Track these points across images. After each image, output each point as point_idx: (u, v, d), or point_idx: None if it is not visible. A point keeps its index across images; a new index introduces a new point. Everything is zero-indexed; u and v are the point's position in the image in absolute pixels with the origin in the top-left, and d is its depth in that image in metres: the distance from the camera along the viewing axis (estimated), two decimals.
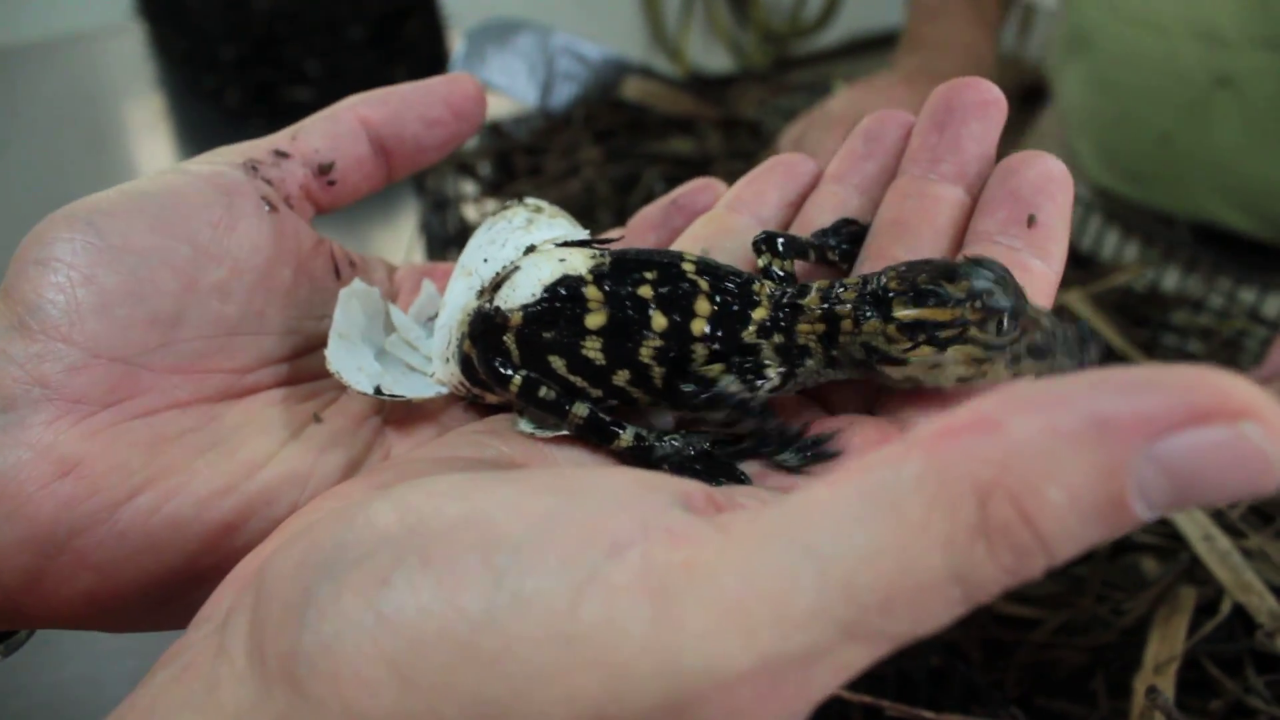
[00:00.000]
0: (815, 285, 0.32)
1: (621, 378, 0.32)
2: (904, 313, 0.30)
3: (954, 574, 0.20)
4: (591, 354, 0.32)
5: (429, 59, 1.18)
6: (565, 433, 0.33)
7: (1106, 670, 0.48)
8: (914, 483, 0.20)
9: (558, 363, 0.32)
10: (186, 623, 0.30)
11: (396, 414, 0.37)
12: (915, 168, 0.36)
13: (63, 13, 1.56)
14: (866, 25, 2.58)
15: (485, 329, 0.33)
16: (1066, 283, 0.75)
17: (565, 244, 0.34)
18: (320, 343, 0.36)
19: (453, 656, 0.20)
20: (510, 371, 0.33)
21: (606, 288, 0.32)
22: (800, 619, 0.20)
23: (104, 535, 0.29)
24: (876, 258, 0.35)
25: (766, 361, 0.32)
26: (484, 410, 0.37)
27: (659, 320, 0.31)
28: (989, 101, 0.35)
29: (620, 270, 0.32)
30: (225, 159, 0.36)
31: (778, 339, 0.32)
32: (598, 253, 0.33)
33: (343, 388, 0.36)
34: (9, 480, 0.29)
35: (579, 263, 0.32)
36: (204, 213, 0.33)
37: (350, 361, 0.36)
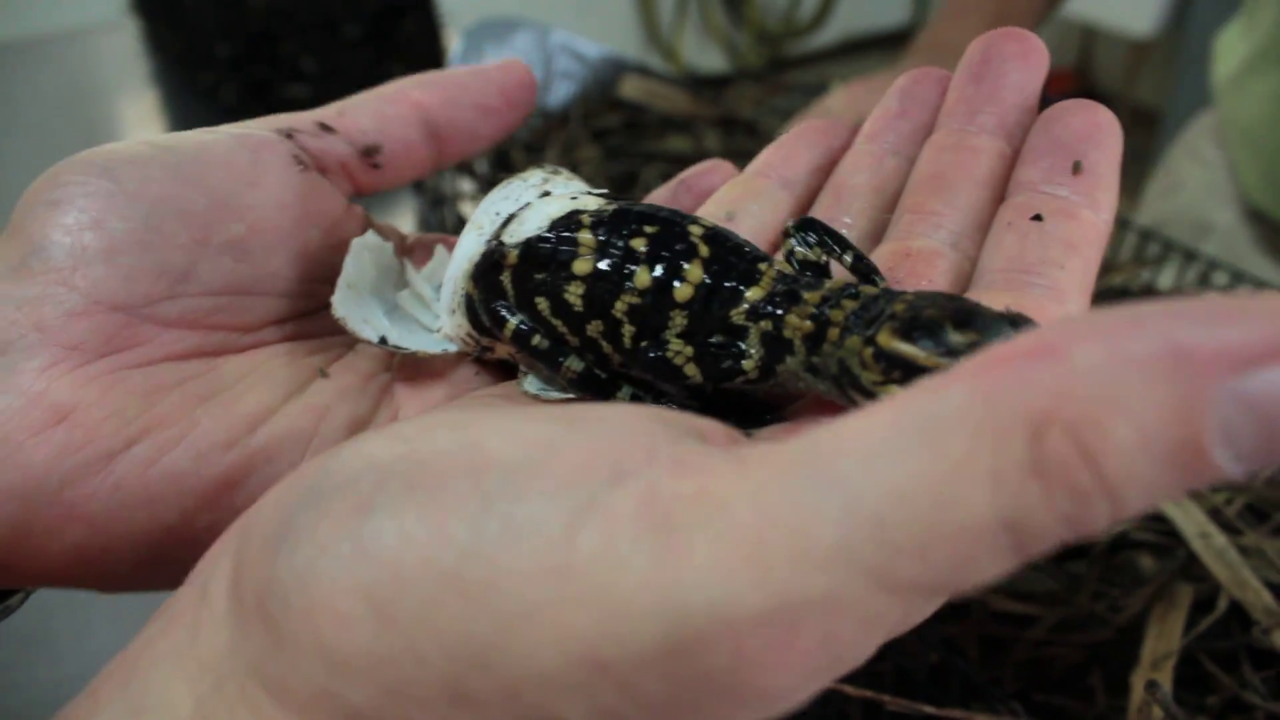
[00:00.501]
0: (828, 284, 0.29)
1: (595, 328, 0.30)
2: (885, 340, 0.25)
3: (1002, 517, 0.17)
4: (572, 299, 0.30)
5: (425, 57, 1.18)
6: (573, 395, 0.31)
7: (1104, 667, 0.49)
8: (958, 411, 0.17)
9: (543, 304, 0.31)
10: (176, 585, 0.29)
11: (405, 372, 0.36)
12: (953, 121, 0.34)
13: (57, 9, 1.55)
14: (861, 26, 2.59)
15: (486, 267, 0.32)
16: None
17: (588, 194, 0.33)
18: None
19: (435, 589, 0.19)
20: (507, 315, 0.32)
21: (601, 234, 0.30)
22: (822, 557, 0.18)
23: (97, 486, 0.28)
24: (913, 213, 0.33)
25: (749, 348, 0.29)
26: (496, 371, 0.36)
27: (643, 276, 0.29)
28: (1029, 50, 0.33)
29: (620, 219, 0.31)
30: (261, 124, 0.35)
31: (765, 325, 0.29)
32: (611, 202, 0.32)
33: (350, 344, 0.35)
34: (0, 426, 0.27)
35: (591, 205, 0.32)
36: (226, 167, 0.32)
37: (357, 312, 0.34)
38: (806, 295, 0.29)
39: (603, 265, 0.30)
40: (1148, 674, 0.45)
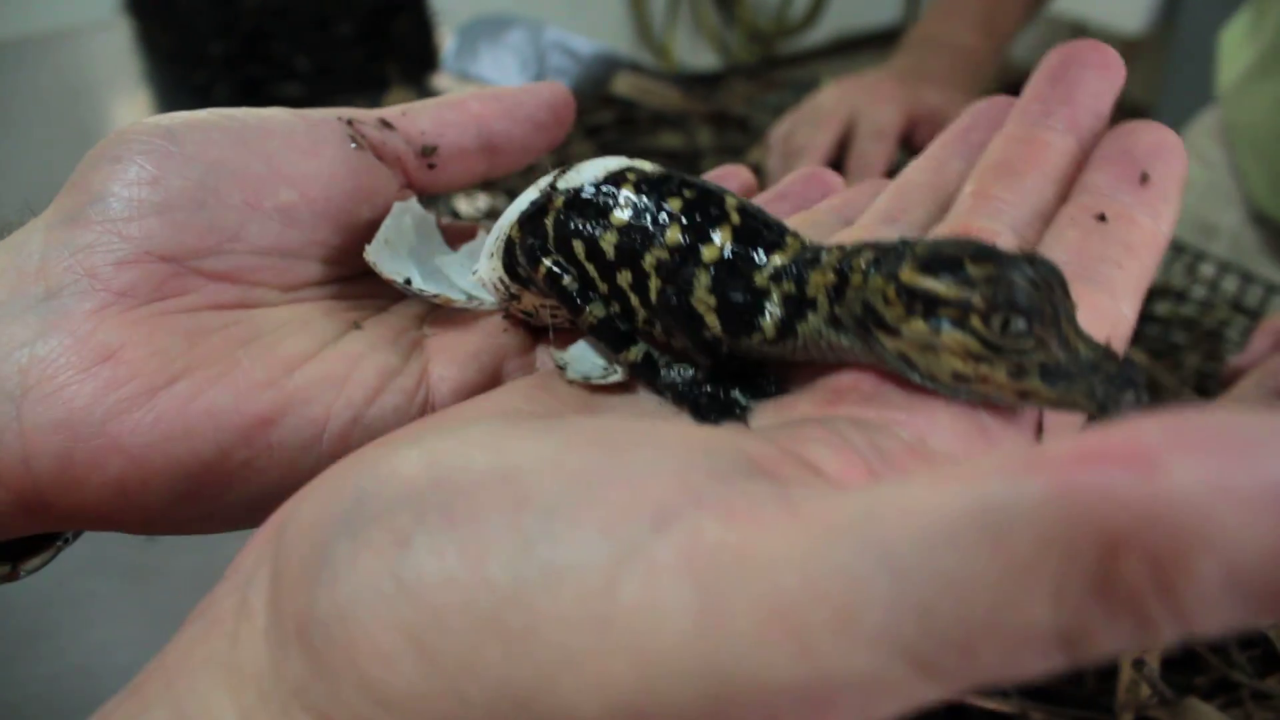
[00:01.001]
0: (849, 245, 0.30)
1: (624, 279, 0.32)
2: (907, 275, 0.26)
3: (1058, 631, 0.16)
4: (606, 246, 0.32)
5: (418, 55, 1.19)
6: (617, 379, 0.32)
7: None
8: (1031, 511, 0.16)
9: (579, 247, 0.32)
10: (206, 529, 0.31)
11: (436, 327, 0.37)
12: (1026, 116, 0.35)
13: (50, 9, 1.55)
14: (852, 25, 2.60)
15: (533, 212, 0.34)
16: None
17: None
18: (371, 271, 0.36)
19: (477, 632, 0.19)
20: (542, 255, 0.33)
21: (641, 192, 0.32)
22: (865, 638, 0.17)
23: (139, 419, 0.29)
24: (978, 197, 0.33)
25: (769, 308, 0.30)
26: (523, 330, 0.37)
27: (673, 234, 0.31)
28: (1109, 61, 0.34)
29: (663, 181, 0.32)
30: (324, 111, 0.36)
31: (788, 287, 0.30)
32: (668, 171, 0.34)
33: (384, 305, 0.37)
34: (47, 364, 0.29)
35: (646, 168, 0.33)
36: (285, 138, 0.34)
37: (391, 264, 0.36)
38: (827, 257, 0.30)
39: (638, 219, 0.31)
40: (1136, 654, 0.46)
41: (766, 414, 0.30)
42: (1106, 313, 0.29)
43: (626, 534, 0.19)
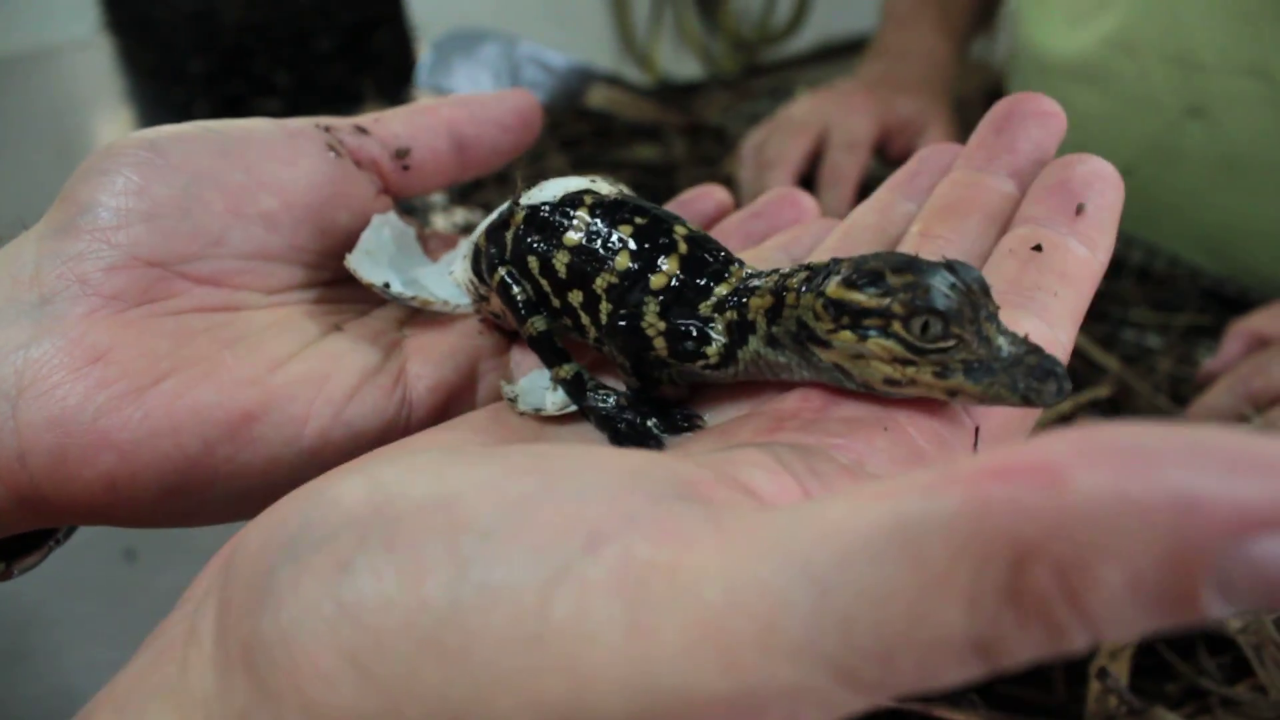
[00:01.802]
0: (784, 269, 0.32)
1: (575, 298, 0.33)
2: (833, 290, 0.28)
3: (973, 638, 0.17)
4: (559, 265, 0.33)
5: (397, 70, 1.19)
6: (569, 410, 0.33)
7: (1065, 657, 0.49)
8: (944, 523, 0.17)
9: (533, 263, 0.34)
10: (194, 522, 0.32)
11: (414, 330, 0.39)
12: (970, 163, 0.36)
13: (30, 28, 1.55)
14: (836, 31, 2.60)
15: (497, 223, 0.36)
16: None
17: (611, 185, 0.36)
18: (354, 280, 0.38)
19: (415, 651, 0.19)
20: (499, 264, 0.35)
21: (596, 215, 0.33)
22: (788, 651, 0.18)
23: (129, 416, 0.31)
24: (923, 236, 0.35)
25: (714, 336, 0.31)
26: (503, 335, 0.38)
27: (622, 260, 0.32)
28: (1049, 113, 0.36)
29: (616, 207, 0.34)
30: (301, 121, 0.38)
31: (730, 315, 0.31)
32: (627, 194, 0.35)
33: (365, 309, 0.38)
34: (41, 365, 0.30)
35: (604, 189, 0.34)
36: (265, 148, 0.36)
37: (372, 272, 0.37)
38: (765, 282, 0.31)
39: (590, 242, 0.33)
40: (1106, 663, 0.46)
41: (708, 440, 0.30)
42: (1043, 339, 0.29)
43: (559, 555, 0.19)
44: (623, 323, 0.32)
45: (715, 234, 0.43)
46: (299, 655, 0.20)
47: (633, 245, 0.32)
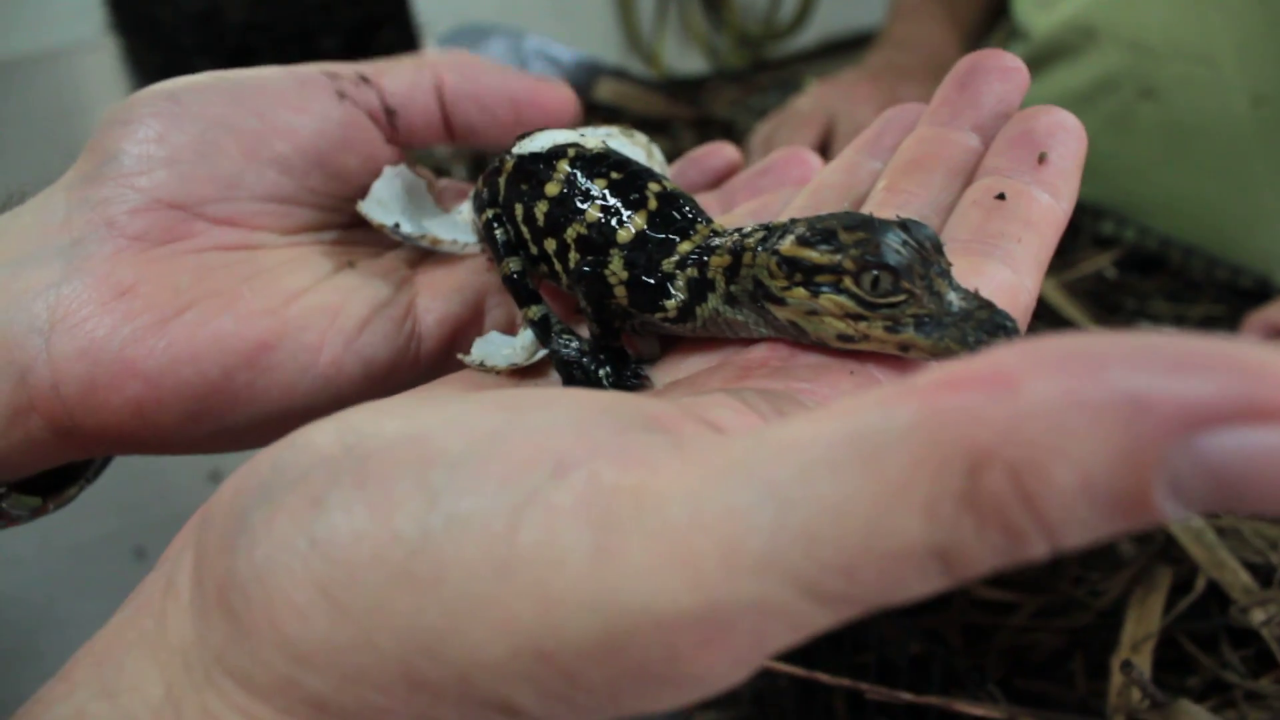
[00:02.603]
0: (745, 228, 0.32)
1: (550, 245, 0.35)
2: (787, 247, 0.28)
3: (933, 545, 0.17)
4: (539, 214, 0.35)
5: None
6: (517, 363, 0.34)
7: (1085, 651, 0.49)
8: (901, 435, 0.17)
9: (519, 210, 0.36)
10: (218, 447, 0.35)
11: (425, 268, 0.40)
12: (935, 119, 0.37)
13: (37, 31, 1.55)
14: (841, 27, 2.59)
15: (493, 169, 0.38)
16: None
17: (608, 137, 0.38)
18: (368, 224, 0.39)
19: (386, 582, 0.20)
20: (488, 206, 0.37)
21: (575, 167, 0.35)
22: (751, 566, 0.18)
23: (153, 344, 0.33)
24: (888, 191, 0.35)
25: (673, 291, 0.32)
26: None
27: (593, 212, 0.34)
28: (1011, 67, 0.36)
29: (596, 161, 0.35)
30: (309, 67, 0.39)
31: (691, 272, 0.32)
32: (610, 150, 0.36)
33: (378, 251, 0.40)
34: (72, 300, 0.33)
35: (591, 143, 0.36)
36: (277, 94, 0.37)
37: (385, 217, 0.39)
38: (724, 240, 0.32)
39: (566, 192, 0.35)
40: (1128, 657, 0.45)
41: (677, 390, 0.31)
42: (1008, 285, 0.30)
43: (527, 483, 0.20)
44: (586, 269, 0.33)
45: (723, 191, 0.44)
46: (273, 591, 0.20)
47: (605, 199, 0.34)
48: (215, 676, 0.21)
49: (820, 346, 0.30)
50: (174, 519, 0.35)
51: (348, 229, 0.40)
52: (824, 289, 0.28)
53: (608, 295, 0.33)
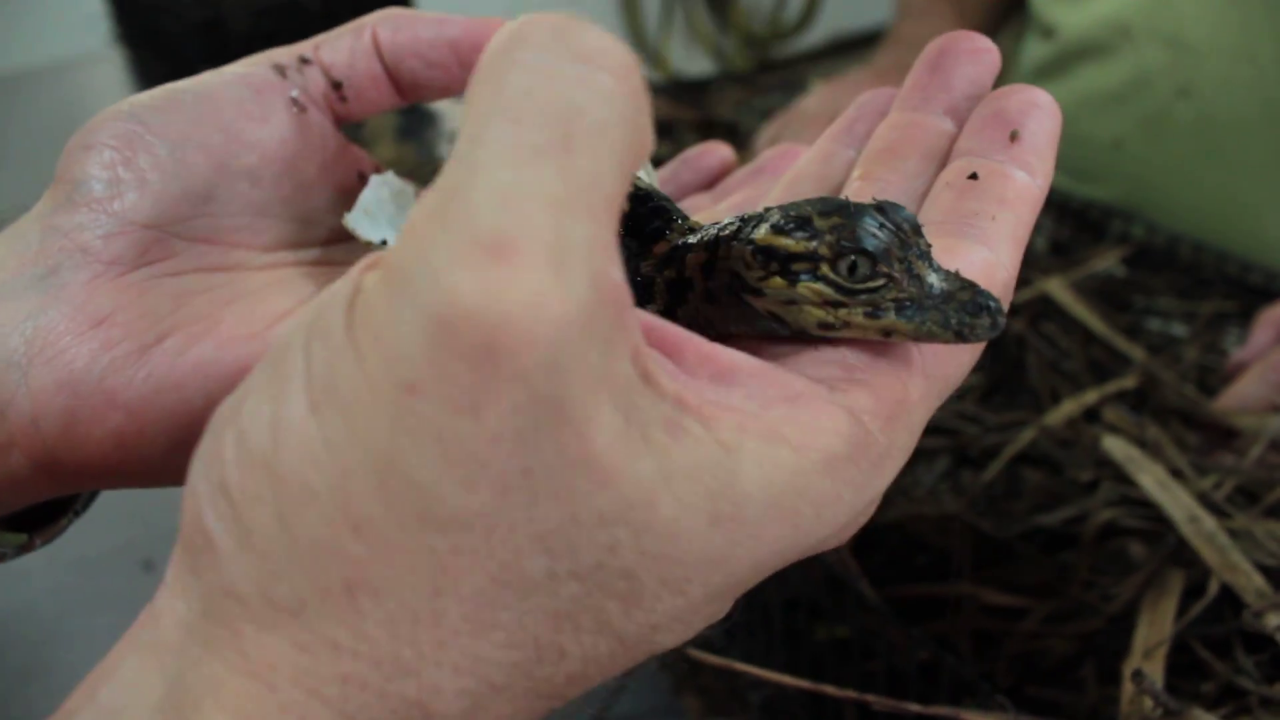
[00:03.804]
0: (719, 223, 0.31)
1: None
2: (762, 237, 0.28)
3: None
4: None
5: None
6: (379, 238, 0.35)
7: (1097, 657, 0.48)
8: None
9: None
10: None
11: None
12: (907, 105, 0.37)
13: (44, 43, 1.56)
14: (847, 26, 2.58)
15: None
16: (1045, 270, 0.75)
17: None
18: (347, 238, 0.39)
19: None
20: None
21: None
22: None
23: (133, 375, 0.32)
24: (864, 180, 0.35)
25: (654, 295, 0.32)
26: None
27: None
28: (981, 49, 0.36)
29: None
30: (255, 61, 0.38)
31: (669, 273, 0.31)
32: None
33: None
34: (49, 331, 0.32)
35: None
36: (236, 106, 0.37)
37: (372, 231, 0.38)
38: (699, 237, 0.31)
39: None
40: (1139, 663, 0.45)
41: None
42: (984, 263, 0.30)
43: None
44: None
45: (717, 191, 0.44)
46: (189, 504, 0.22)
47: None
48: (210, 634, 0.21)
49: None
50: None
51: (329, 246, 0.40)
52: (802, 277, 0.27)
53: None
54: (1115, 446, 0.54)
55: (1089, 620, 0.49)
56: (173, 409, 0.33)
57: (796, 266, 0.27)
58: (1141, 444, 0.55)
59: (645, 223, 0.32)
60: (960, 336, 0.27)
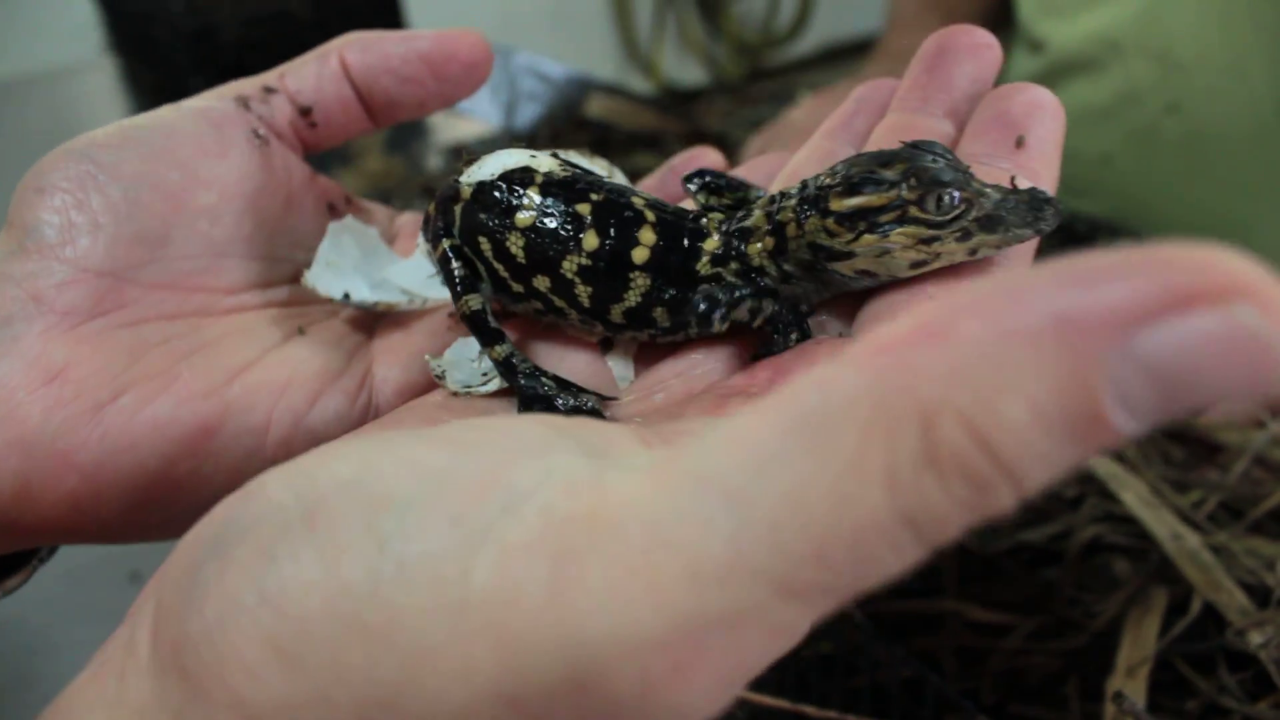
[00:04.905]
0: (757, 204, 0.32)
1: (542, 283, 0.33)
2: (839, 204, 0.29)
3: (900, 512, 0.17)
4: (514, 249, 0.32)
5: None
6: (495, 387, 0.33)
7: (1081, 674, 0.48)
8: (845, 407, 0.17)
9: (485, 245, 0.33)
10: (165, 535, 0.32)
11: (383, 329, 0.38)
12: (905, 105, 0.36)
13: (35, 51, 1.56)
14: (838, 34, 2.59)
15: (446, 195, 0.35)
16: None
17: (557, 155, 0.35)
18: None
19: (339, 634, 0.19)
20: (444, 236, 0.34)
21: (548, 195, 0.32)
22: (717, 574, 0.17)
23: (88, 435, 0.31)
24: None
25: (729, 291, 0.32)
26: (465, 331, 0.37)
27: (590, 240, 0.32)
28: (981, 44, 0.35)
29: (569, 185, 0.33)
30: (218, 95, 0.37)
31: (734, 266, 0.32)
32: (574, 169, 0.34)
33: (333, 311, 0.38)
34: (2, 388, 0.30)
35: (545, 165, 0.33)
36: (194, 142, 0.35)
37: (335, 283, 0.36)
38: (752, 223, 0.32)
39: (546, 223, 0.32)
40: (1123, 681, 0.45)
41: (653, 419, 0.30)
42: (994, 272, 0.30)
43: (478, 520, 0.19)
44: (702, 309, 0.32)
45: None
46: (224, 649, 0.20)
47: (596, 223, 0.32)
48: None
49: (798, 363, 0.30)
50: (169, 542, 0.34)
51: (297, 283, 0.38)
52: (890, 227, 0.29)
53: (650, 324, 0.32)
54: (1099, 463, 0.54)
55: (1073, 637, 0.49)
56: (129, 471, 0.31)
57: (884, 218, 0.29)
58: (1124, 460, 0.55)
59: (678, 229, 0.32)
60: (1039, 231, 0.29)
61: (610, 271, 0.32)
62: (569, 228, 0.32)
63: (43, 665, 0.74)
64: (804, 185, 0.31)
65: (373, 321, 0.38)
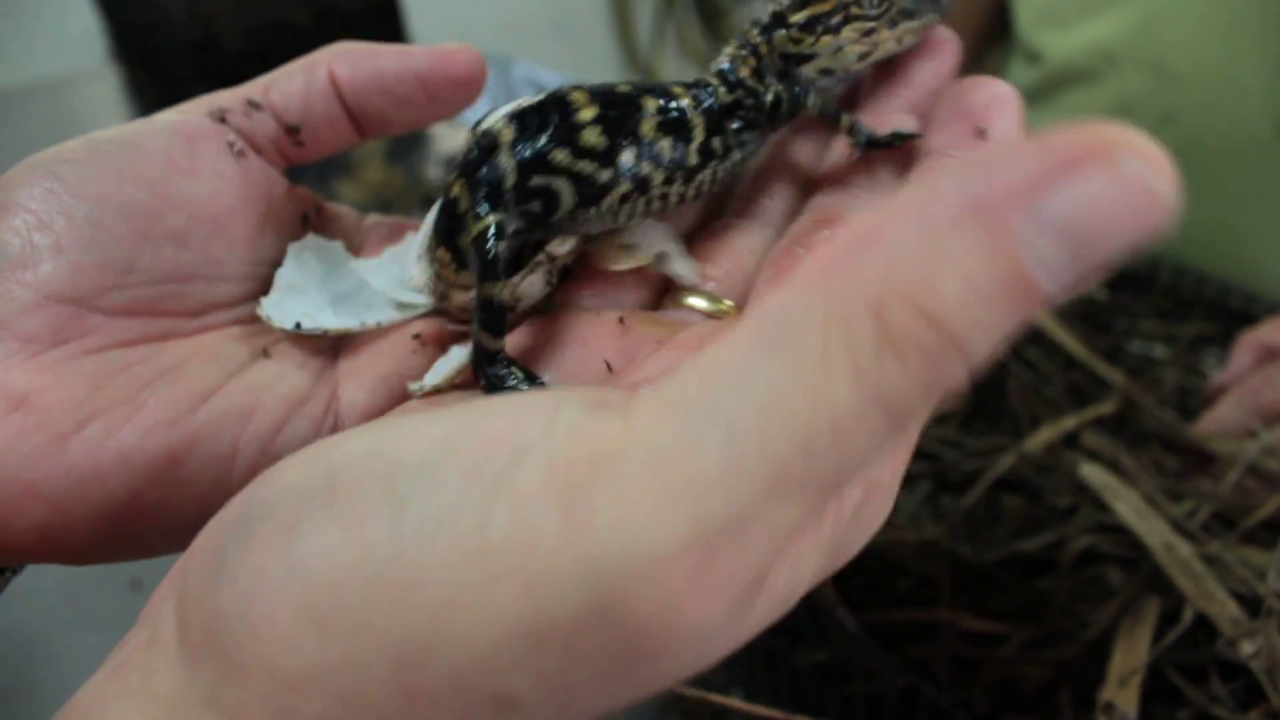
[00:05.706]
0: (725, 50, 0.39)
1: (628, 157, 0.33)
2: (794, 16, 0.38)
3: (870, 398, 0.19)
4: (593, 140, 0.33)
5: None
6: (457, 377, 0.33)
7: (1073, 684, 0.48)
8: (803, 314, 0.19)
9: (560, 155, 0.32)
10: (135, 557, 0.32)
11: (348, 349, 0.37)
12: (869, 102, 0.38)
13: (38, 60, 1.57)
14: None
15: (478, 158, 0.33)
16: None
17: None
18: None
19: (367, 594, 0.20)
20: (486, 212, 0.32)
21: (584, 88, 0.34)
22: (715, 486, 0.19)
23: (53, 466, 0.30)
24: (831, 184, 0.37)
25: (765, 90, 0.38)
26: (435, 345, 0.36)
27: (649, 102, 0.34)
28: (939, 41, 0.38)
29: (589, 89, 0.34)
30: (195, 107, 0.36)
31: (740, 93, 0.37)
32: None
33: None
34: None
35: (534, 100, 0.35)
36: (164, 160, 0.34)
37: (295, 308, 0.35)
38: (729, 57, 0.39)
39: (609, 111, 0.33)
40: (1115, 691, 0.45)
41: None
42: None
43: (489, 473, 0.20)
44: (797, 92, 0.38)
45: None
46: (256, 621, 0.20)
47: (638, 96, 0.35)
48: (207, 718, 0.21)
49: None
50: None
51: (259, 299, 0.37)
52: (841, 25, 0.37)
53: (799, 107, 0.38)
54: (1092, 473, 0.54)
55: (1066, 647, 0.49)
56: (96, 501, 0.30)
57: (834, 20, 0.37)
58: (1118, 470, 0.56)
59: (683, 82, 0.36)
60: (939, 10, 0.37)
61: (678, 120, 0.35)
62: (626, 105, 0.34)
63: (42, 672, 0.74)
64: (760, 21, 0.39)
65: (337, 341, 0.37)
